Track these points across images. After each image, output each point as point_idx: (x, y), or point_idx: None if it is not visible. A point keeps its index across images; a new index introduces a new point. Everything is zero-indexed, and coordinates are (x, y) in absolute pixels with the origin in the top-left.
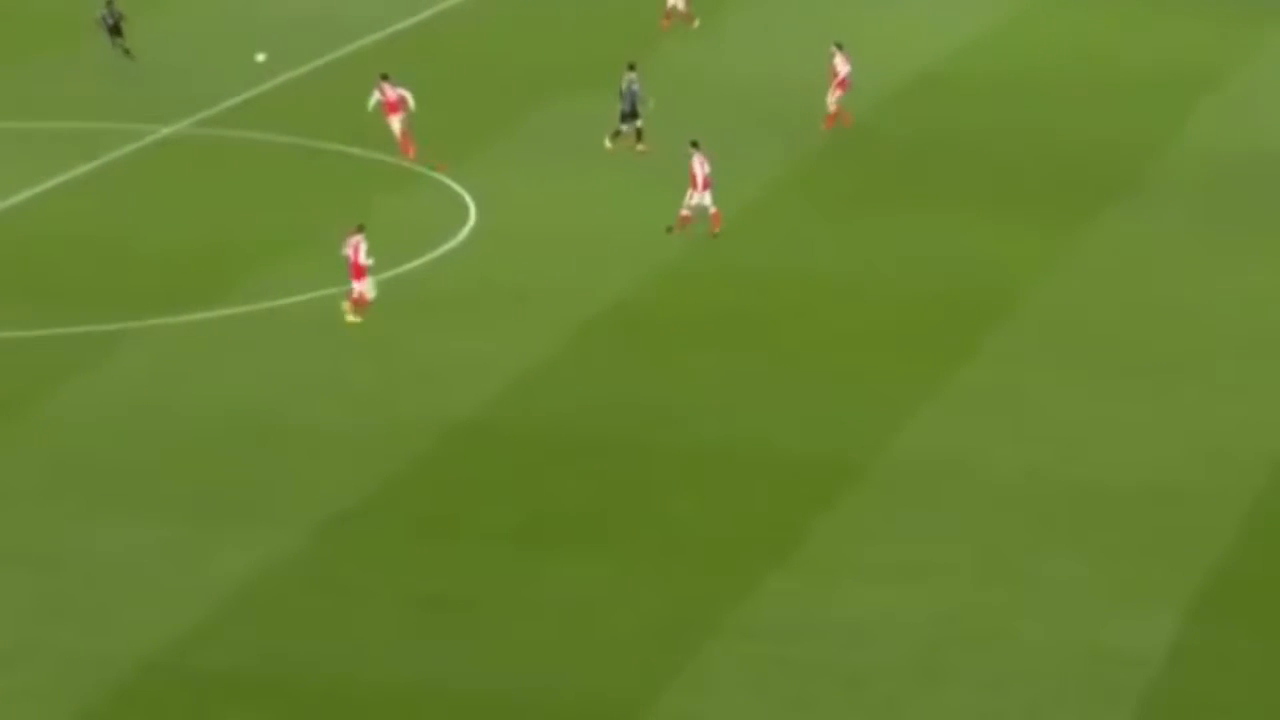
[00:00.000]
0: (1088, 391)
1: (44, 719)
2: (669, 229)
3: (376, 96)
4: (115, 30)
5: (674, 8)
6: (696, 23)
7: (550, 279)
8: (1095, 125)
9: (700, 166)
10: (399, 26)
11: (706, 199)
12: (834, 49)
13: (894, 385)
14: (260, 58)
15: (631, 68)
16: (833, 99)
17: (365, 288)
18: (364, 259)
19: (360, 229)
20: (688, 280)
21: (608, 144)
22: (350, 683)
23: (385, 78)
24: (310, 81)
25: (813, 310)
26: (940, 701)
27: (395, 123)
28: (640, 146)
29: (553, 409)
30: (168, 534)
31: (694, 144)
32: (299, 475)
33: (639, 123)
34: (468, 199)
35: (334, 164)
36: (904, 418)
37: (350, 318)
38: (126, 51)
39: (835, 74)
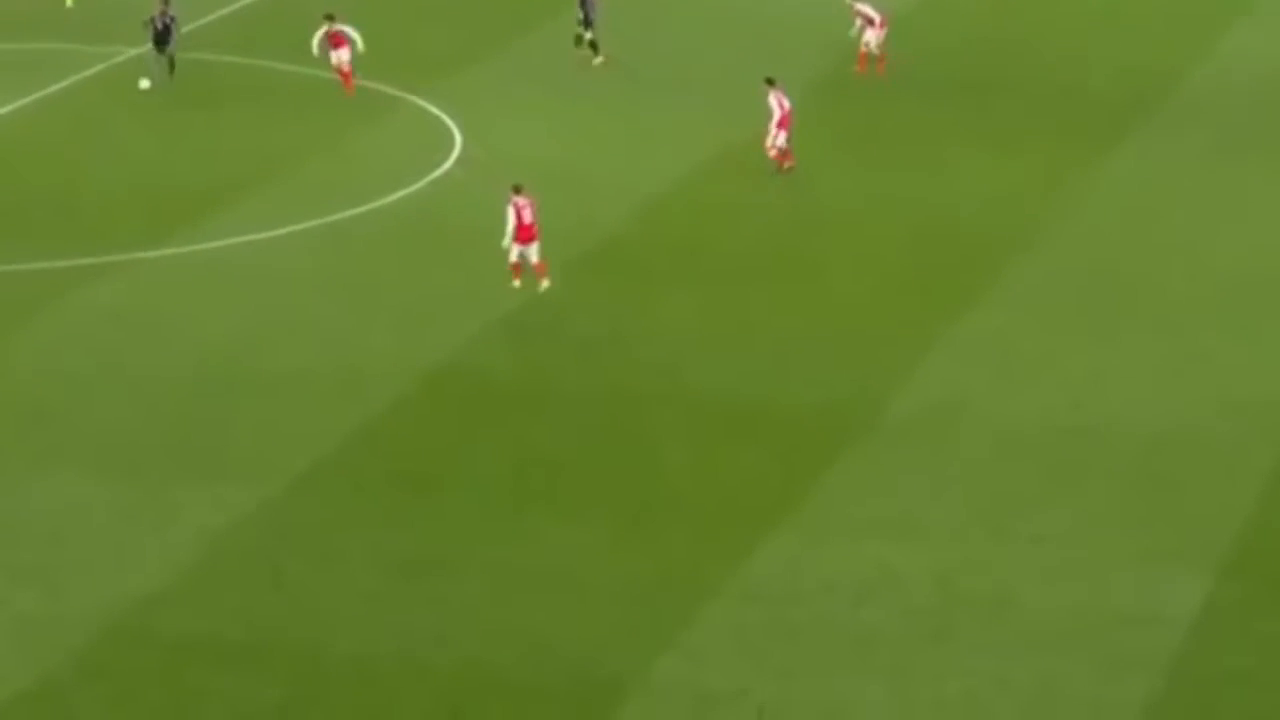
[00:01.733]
0: (1102, 334)
1: (3, 687)
2: (776, 172)
3: (321, 34)
4: (162, 37)
5: None
6: None
7: (538, 212)
8: (1118, 48)
9: (779, 104)
10: None
11: (782, 137)
12: (851, 2)
13: (897, 330)
14: (144, 84)
15: None
16: (875, 40)
17: (531, 252)
18: (529, 219)
19: (519, 189)
20: (681, 217)
21: (596, 61)
22: (323, 650)
23: (331, 19)
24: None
25: (813, 250)
26: (947, 665)
27: (340, 56)
28: (597, 59)
29: (537, 354)
30: (128, 489)
31: (769, 81)
32: (269, 426)
33: (590, 34)
34: (452, 126)
35: (312, 89)
36: (908, 365)
37: (545, 283)
38: (171, 64)
39: (870, 21)
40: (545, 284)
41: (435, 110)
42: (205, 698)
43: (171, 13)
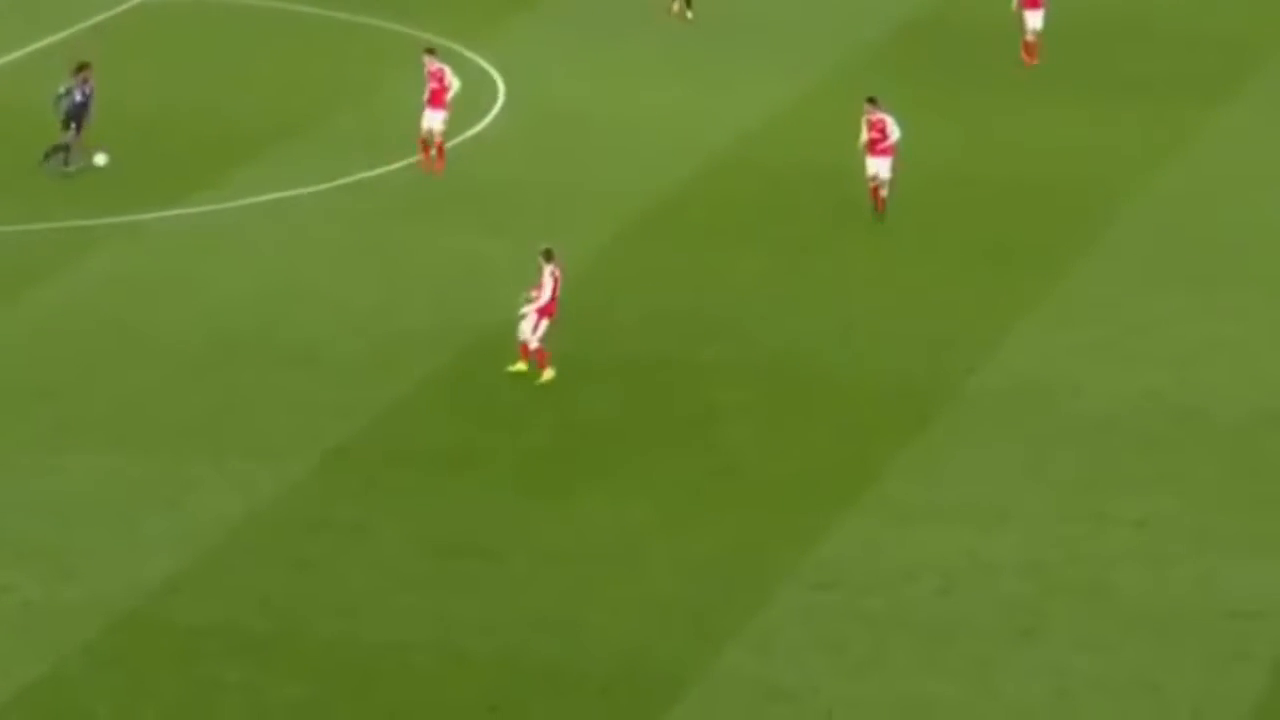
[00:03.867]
0: (1209, 302)
1: (9, 679)
2: (878, 218)
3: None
4: (75, 118)
5: None
6: None
7: (584, 170)
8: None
9: (880, 127)
10: None
11: (882, 168)
12: None
13: (986, 297)
14: (100, 159)
15: None
16: (1037, 22)
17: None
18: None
19: (550, 254)
20: (742, 173)
21: (675, 8)
22: (351, 639)
23: (432, 52)
24: None
25: (893, 210)
26: (1035, 661)
27: (438, 120)
28: (675, 5)
29: (587, 321)
30: (142, 468)
31: (871, 100)
32: (293, 401)
33: None
34: (495, 75)
35: (345, 35)
36: (997, 335)
37: (548, 374)
38: (58, 152)
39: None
40: (523, 365)
41: (476, 58)
42: (223, 690)
43: (93, 82)
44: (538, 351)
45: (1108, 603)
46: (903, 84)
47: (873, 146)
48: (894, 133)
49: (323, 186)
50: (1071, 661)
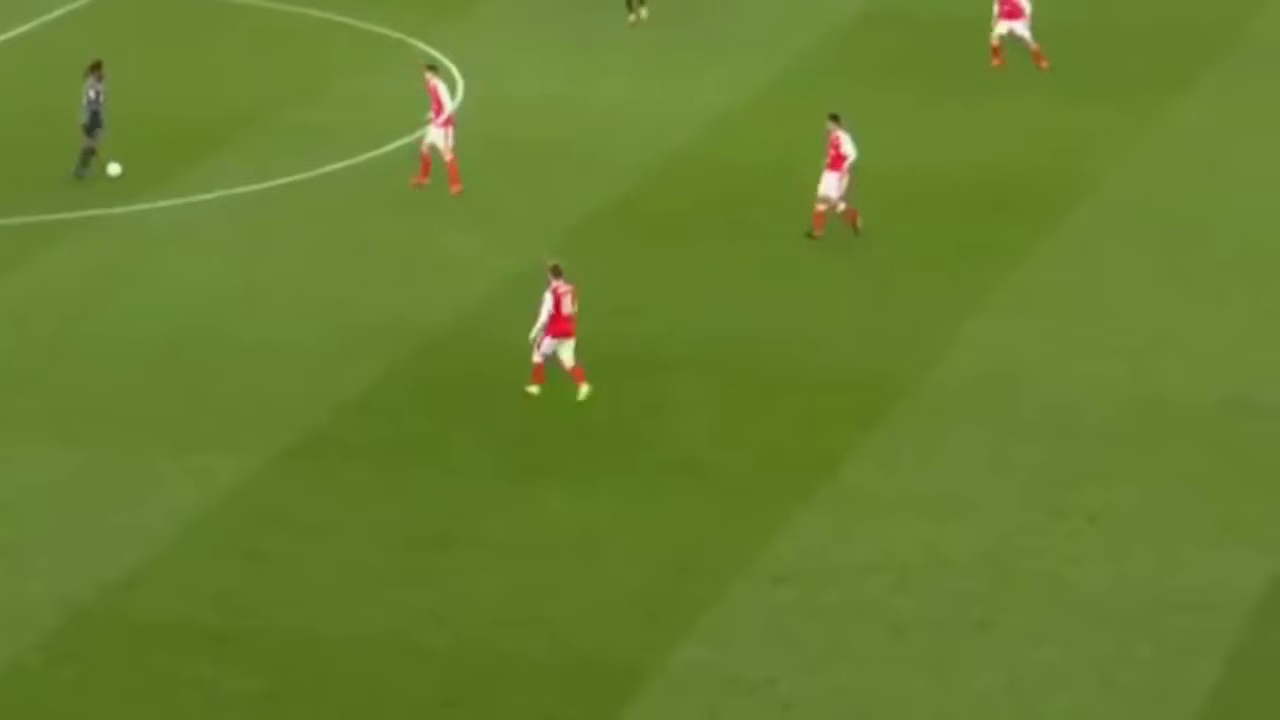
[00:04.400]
0: (1168, 292)
1: None
2: (808, 234)
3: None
4: (88, 121)
5: None
6: None
7: (543, 164)
8: None
9: (836, 145)
10: None
11: (833, 186)
12: None
13: (944, 288)
14: (114, 169)
15: None
16: (1011, 30)
17: (566, 351)
18: (569, 309)
19: (558, 270)
20: (702, 168)
21: (631, 18)
22: (311, 634)
23: (434, 69)
24: None
25: (854, 202)
26: (992, 654)
27: (440, 138)
28: (631, 17)
29: None
30: (99, 462)
31: (834, 117)
32: (252, 394)
33: None
34: (454, 70)
35: (302, 28)
36: (955, 326)
37: (585, 388)
38: (87, 158)
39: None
40: (585, 389)
41: (435, 52)
42: (181, 686)
43: (103, 84)
44: (540, 367)
45: (1065, 595)
46: (864, 78)
47: (832, 163)
48: (848, 151)
49: (280, 181)
50: (1028, 654)
